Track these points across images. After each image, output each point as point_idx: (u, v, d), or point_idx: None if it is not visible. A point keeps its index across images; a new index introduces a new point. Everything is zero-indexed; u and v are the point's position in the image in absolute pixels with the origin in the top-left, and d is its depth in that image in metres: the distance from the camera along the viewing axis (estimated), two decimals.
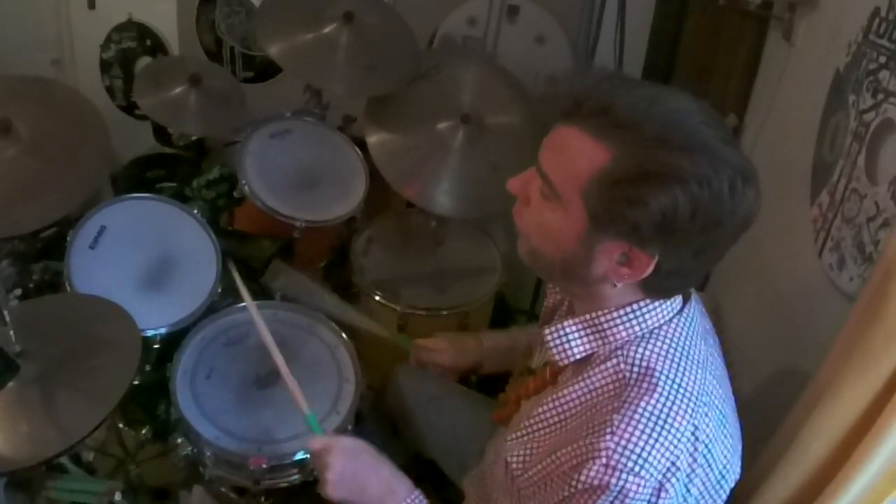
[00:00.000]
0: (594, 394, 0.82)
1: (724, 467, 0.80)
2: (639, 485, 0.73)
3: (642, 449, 0.74)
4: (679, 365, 0.80)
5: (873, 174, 0.94)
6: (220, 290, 1.50)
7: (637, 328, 0.83)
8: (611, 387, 0.80)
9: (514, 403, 0.99)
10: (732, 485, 0.83)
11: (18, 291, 1.38)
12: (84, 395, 1.08)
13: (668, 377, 0.78)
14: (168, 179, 2.18)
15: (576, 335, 0.85)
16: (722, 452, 0.80)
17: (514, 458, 0.87)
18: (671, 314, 0.84)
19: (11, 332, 1.08)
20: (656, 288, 0.82)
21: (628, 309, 0.82)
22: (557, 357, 0.86)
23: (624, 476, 0.73)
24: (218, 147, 2.25)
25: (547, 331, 0.87)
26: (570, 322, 0.86)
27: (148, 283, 1.45)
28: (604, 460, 0.73)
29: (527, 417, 0.88)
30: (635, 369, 0.79)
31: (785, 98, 1.39)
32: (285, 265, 1.59)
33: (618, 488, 0.73)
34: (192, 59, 2.04)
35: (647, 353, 0.80)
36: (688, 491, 0.77)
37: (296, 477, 1.29)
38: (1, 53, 2.14)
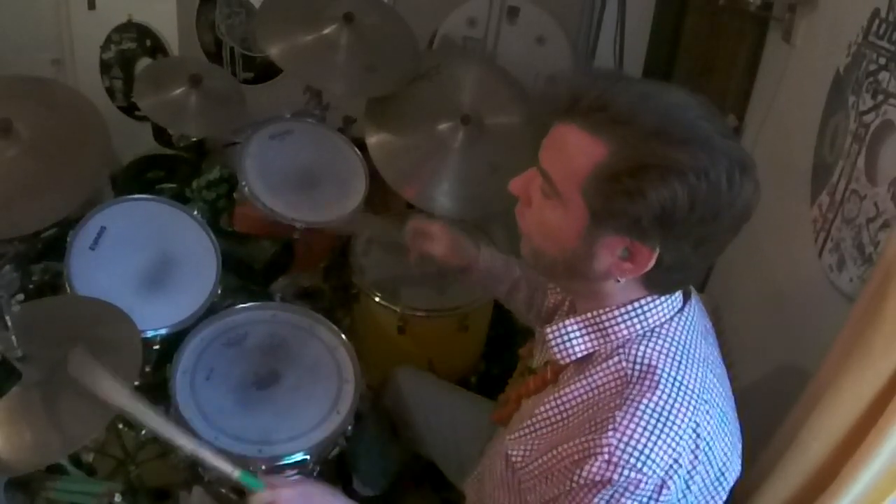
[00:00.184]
0: (596, 392, 0.82)
1: (724, 465, 0.80)
2: (640, 481, 0.73)
3: (644, 446, 0.74)
4: (680, 363, 0.80)
5: (873, 175, 0.94)
6: (219, 291, 1.50)
7: (638, 326, 0.83)
8: (612, 385, 0.80)
9: (515, 402, 0.99)
10: (732, 483, 0.83)
11: (21, 297, 1.38)
12: (85, 398, 1.08)
13: (669, 375, 0.78)
14: (168, 180, 2.18)
15: (577, 334, 0.85)
16: (722, 450, 0.80)
17: (515, 453, 0.87)
18: (672, 312, 0.84)
19: (13, 338, 1.07)
20: (658, 283, 0.82)
21: (629, 307, 0.83)
22: (559, 356, 0.86)
23: (626, 472, 0.73)
24: (218, 148, 2.25)
25: (548, 329, 0.87)
26: (572, 321, 0.86)
27: (148, 284, 1.45)
28: (606, 456, 0.74)
29: (528, 416, 0.88)
30: (637, 367, 0.80)
31: (785, 99, 1.39)
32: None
33: (619, 484, 0.73)
34: (192, 60, 2.04)
35: (649, 351, 0.80)
36: (687, 488, 0.77)
37: (295, 477, 1.29)
38: (1, 53, 2.15)
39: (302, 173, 1.78)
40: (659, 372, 0.78)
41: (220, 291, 1.51)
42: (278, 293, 1.74)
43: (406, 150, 1.81)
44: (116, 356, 1.16)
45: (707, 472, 0.79)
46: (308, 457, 1.27)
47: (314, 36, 1.77)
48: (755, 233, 1.29)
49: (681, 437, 0.75)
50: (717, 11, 1.64)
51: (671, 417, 0.75)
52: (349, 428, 1.34)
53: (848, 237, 0.98)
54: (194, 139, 1.93)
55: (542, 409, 0.86)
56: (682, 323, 0.84)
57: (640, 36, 2.01)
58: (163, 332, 1.41)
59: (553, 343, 0.86)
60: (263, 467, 1.24)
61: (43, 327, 1.19)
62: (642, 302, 0.83)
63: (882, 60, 0.96)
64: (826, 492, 0.83)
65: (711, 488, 0.80)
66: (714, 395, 0.81)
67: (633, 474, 0.73)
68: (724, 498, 0.83)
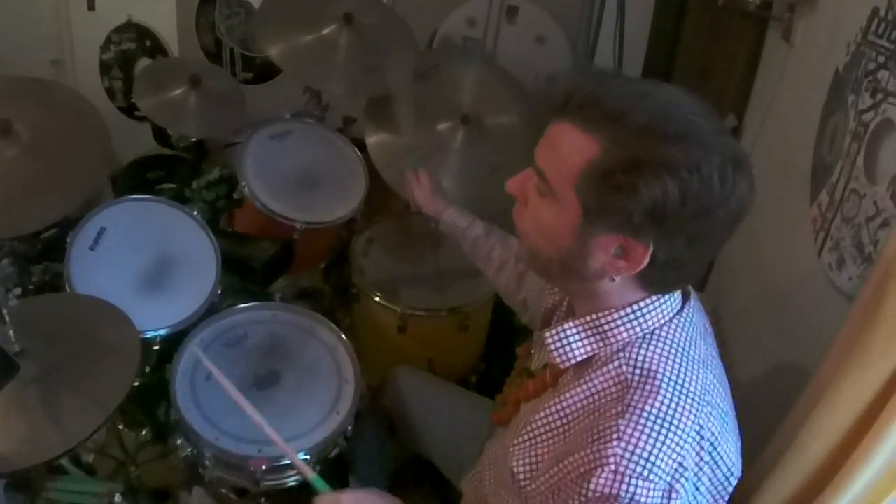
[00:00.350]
0: (596, 397, 0.81)
1: (733, 464, 0.80)
2: (649, 489, 0.73)
3: (650, 453, 0.73)
4: (680, 366, 0.80)
5: (872, 174, 0.94)
6: (219, 292, 1.51)
7: (638, 329, 0.83)
8: (613, 389, 0.80)
9: (514, 406, 0.99)
10: (736, 483, 0.83)
11: (18, 290, 1.38)
12: (84, 398, 1.08)
13: (670, 379, 0.78)
14: (168, 181, 2.18)
15: (576, 337, 0.85)
16: (727, 450, 0.80)
17: (520, 468, 0.86)
18: (671, 314, 0.84)
19: (11, 332, 1.08)
20: (654, 282, 0.82)
21: (629, 310, 0.82)
22: (558, 360, 0.86)
23: (634, 481, 0.73)
24: (218, 148, 2.25)
25: (547, 333, 0.87)
26: (571, 324, 0.86)
27: (148, 285, 1.45)
28: (612, 467, 0.73)
29: (528, 421, 0.88)
30: (637, 372, 0.79)
31: (784, 98, 1.39)
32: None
33: (629, 495, 0.73)
34: (191, 61, 2.05)
35: (649, 354, 0.80)
36: (697, 490, 0.77)
37: (295, 478, 1.29)
38: (1, 54, 2.15)
39: (302, 173, 1.78)
40: (659, 376, 0.78)
41: (219, 291, 1.51)
42: (278, 293, 1.74)
43: (406, 150, 1.81)
44: (116, 356, 1.16)
45: (714, 472, 0.78)
46: (308, 457, 1.27)
47: (314, 36, 1.77)
48: (755, 232, 1.30)
49: (685, 441, 0.75)
50: (716, 11, 1.64)
51: (674, 422, 0.75)
52: (349, 428, 1.34)
53: (847, 236, 0.98)
54: (194, 139, 1.93)
55: (542, 414, 0.86)
56: (681, 324, 0.84)
57: (639, 36, 2.01)
58: (163, 332, 1.41)
59: (552, 347, 0.86)
60: (264, 467, 1.24)
61: (42, 324, 1.19)
62: (641, 304, 0.82)
63: (881, 59, 0.96)
64: (826, 492, 0.83)
65: (720, 488, 0.80)
66: (715, 396, 0.81)
67: (640, 483, 0.73)
68: (728, 498, 0.83)
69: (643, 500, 0.73)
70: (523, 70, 2.02)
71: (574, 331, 0.85)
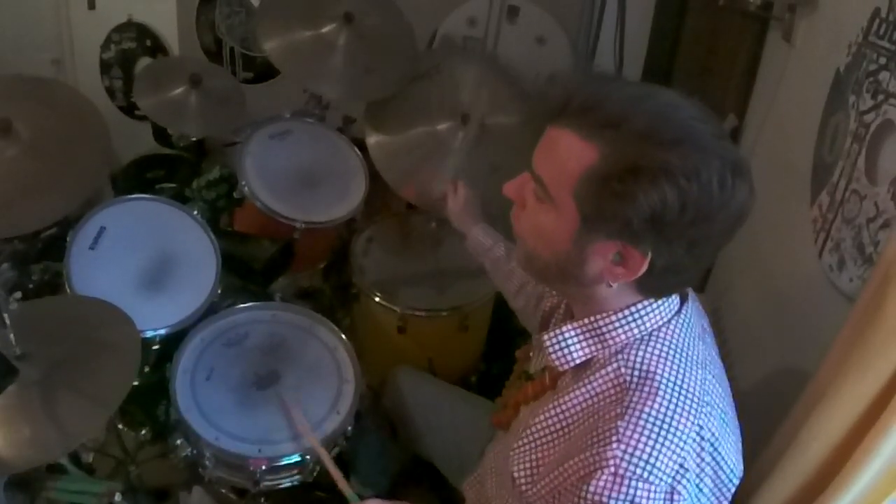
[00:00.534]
0: (595, 399, 0.81)
1: (735, 463, 0.80)
2: (649, 490, 0.73)
3: (649, 455, 0.73)
4: (679, 367, 0.80)
5: (873, 175, 0.94)
6: (219, 291, 1.51)
7: (636, 331, 0.82)
8: (612, 391, 0.80)
9: (514, 409, 0.99)
10: (737, 483, 0.83)
11: (18, 294, 1.38)
12: (84, 397, 1.08)
13: (668, 380, 0.78)
14: (168, 180, 2.18)
15: (575, 340, 0.85)
16: (728, 450, 0.80)
17: (520, 472, 0.86)
18: (669, 315, 0.84)
19: (12, 336, 1.07)
20: (652, 287, 0.81)
21: (626, 312, 0.82)
22: (557, 362, 0.86)
23: (633, 483, 0.72)
24: (218, 148, 2.25)
25: (546, 336, 0.86)
26: (569, 327, 0.86)
27: (148, 284, 1.45)
28: (612, 469, 0.73)
29: (528, 425, 0.88)
30: (636, 373, 0.79)
31: (785, 99, 1.39)
32: None
33: (629, 497, 0.73)
34: (191, 60, 2.04)
35: (647, 356, 0.80)
36: (700, 490, 0.77)
37: (295, 478, 1.29)
38: (1, 53, 2.15)
39: (302, 173, 1.78)
40: (658, 377, 0.78)
41: (220, 291, 1.51)
42: (278, 293, 1.74)
43: (406, 150, 1.81)
44: (116, 356, 1.16)
45: (717, 473, 0.78)
46: (308, 457, 1.27)
47: (313, 35, 1.77)
48: (755, 233, 1.30)
49: (685, 442, 0.75)
50: (716, 11, 1.64)
51: (673, 423, 0.75)
52: (349, 428, 1.34)
53: (848, 237, 0.98)
54: (194, 139, 1.93)
55: (542, 417, 0.86)
56: (679, 325, 0.84)
57: (640, 36, 2.01)
58: (162, 332, 1.41)
59: (551, 350, 0.86)
60: (264, 467, 1.24)
61: (42, 327, 1.19)
62: (639, 306, 0.82)
63: (882, 60, 0.96)
64: (826, 492, 0.83)
65: (724, 488, 0.80)
66: (714, 396, 0.81)
67: (640, 485, 0.73)
68: (730, 498, 0.83)
69: (644, 502, 0.73)
70: (523, 70, 2.02)
71: (572, 333, 0.85)
